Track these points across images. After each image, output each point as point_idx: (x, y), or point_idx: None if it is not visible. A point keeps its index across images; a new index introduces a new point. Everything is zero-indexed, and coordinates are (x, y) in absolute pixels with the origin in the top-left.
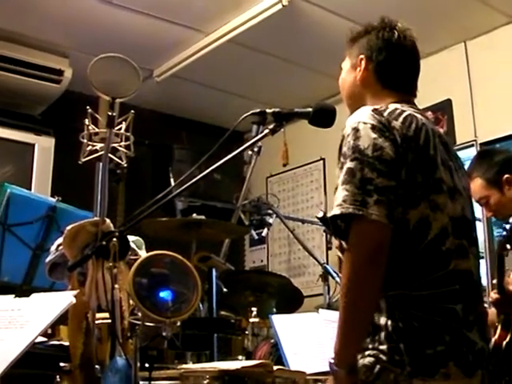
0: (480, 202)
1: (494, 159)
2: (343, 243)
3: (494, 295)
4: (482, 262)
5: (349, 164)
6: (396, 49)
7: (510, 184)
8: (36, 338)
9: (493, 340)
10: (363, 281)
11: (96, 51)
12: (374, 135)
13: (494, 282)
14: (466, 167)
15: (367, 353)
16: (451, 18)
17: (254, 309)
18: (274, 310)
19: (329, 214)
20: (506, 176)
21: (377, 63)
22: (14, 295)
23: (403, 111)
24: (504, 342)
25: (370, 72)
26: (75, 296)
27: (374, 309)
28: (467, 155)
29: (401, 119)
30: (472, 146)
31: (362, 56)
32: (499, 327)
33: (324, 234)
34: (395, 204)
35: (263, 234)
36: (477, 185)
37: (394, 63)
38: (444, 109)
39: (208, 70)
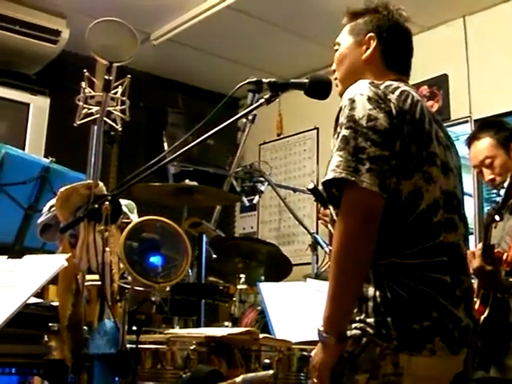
0: (484, 163)
1: (504, 125)
2: (334, 215)
3: (476, 263)
4: (472, 238)
5: (344, 132)
6: (402, 32)
7: None
8: (28, 299)
9: None
10: (354, 248)
11: (94, 13)
12: (370, 106)
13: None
14: (467, 136)
15: (354, 325)
16: None
17: (242, 276)
18: (263, 277)
19: (322, 180)
20: None
21: (386, 45)
22: (6, 256)
23: (399, 87)
24: (482, 317)
25: (376, 52)
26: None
27: (364, 277)
28: (461, 131)
29: (397, 93)
30: (466, 122)
31: (371, 34)
32: (478, 302)
33: (315, 203)
34: (389, 174)
35: (254, 201)
36: (485, 144)
37: (399, 46)
38: (440, 84)
39: (205, 35)
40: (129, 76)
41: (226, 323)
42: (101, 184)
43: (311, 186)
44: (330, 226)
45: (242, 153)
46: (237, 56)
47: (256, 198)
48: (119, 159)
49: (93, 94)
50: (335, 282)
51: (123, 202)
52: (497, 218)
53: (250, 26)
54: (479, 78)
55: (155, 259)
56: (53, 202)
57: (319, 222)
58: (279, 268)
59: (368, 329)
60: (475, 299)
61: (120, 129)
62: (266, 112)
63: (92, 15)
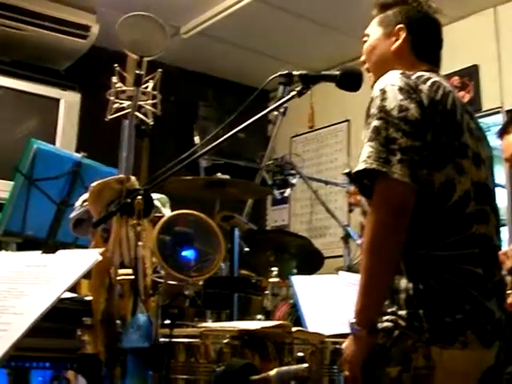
0: None
1: None
2: (365, 206)
3: (510, 263)
4: (505, 229)
5: (375, 122)
6: (431, 23)
7: None
8: (62, 294)
9: None
10: (385, 239)
11: (123, 7)
12: (401, 96)
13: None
14: (498, 127)
15: (386, 317)
16: None
17: (274, 269)
18: (295, 270)
19: (353, 170)
20: None
21: (415, 36)
22: (41, 251)
23: (430, 77)
24: None
25: (406, 43)
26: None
27: (395, 268)
28: (493, 121)
29: (428, 83)
30: (498, 112)
31: (401, 26)
32: (511, 295)
33: (347, 195)
34: (420, 165)
35: (286, 194)
36: None
37: (428, 36)
38: (471, 74)
39: (235, 29)
40: (160, 70)
41: (259, 316)
42: (133, 178)
43: (347, 170)
44: (362, 218)
45: (273, 145)
46: (267, 49)
47: (287, 191)
48: (150, 153)
49: (124, 88)
50: (366, 273)
51: (156, 196)
52: None
53: (280, 18)
54: (511, 69)
55: (188, 253)
56: (85, 196)
57: (348, 200)
58: (311, 261)
59: (400, 321)
60: (509, 291)
61: (151, 123)
62: (297, 105)
63: (121, 10)
